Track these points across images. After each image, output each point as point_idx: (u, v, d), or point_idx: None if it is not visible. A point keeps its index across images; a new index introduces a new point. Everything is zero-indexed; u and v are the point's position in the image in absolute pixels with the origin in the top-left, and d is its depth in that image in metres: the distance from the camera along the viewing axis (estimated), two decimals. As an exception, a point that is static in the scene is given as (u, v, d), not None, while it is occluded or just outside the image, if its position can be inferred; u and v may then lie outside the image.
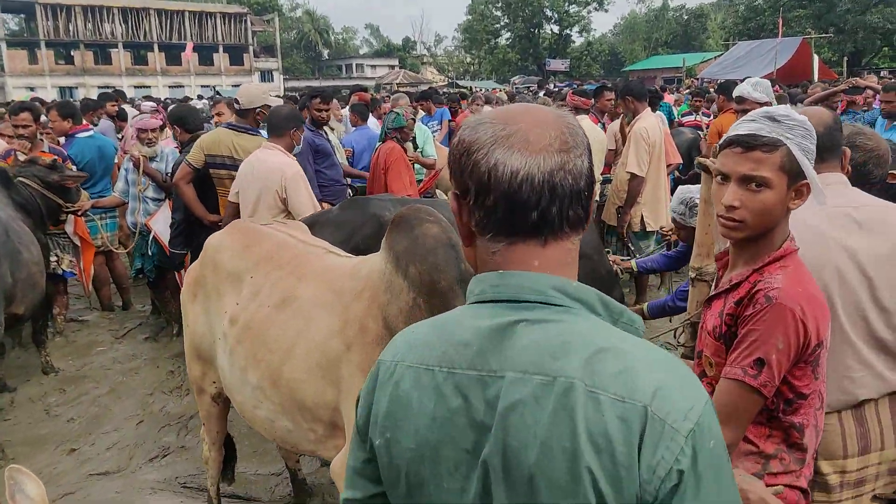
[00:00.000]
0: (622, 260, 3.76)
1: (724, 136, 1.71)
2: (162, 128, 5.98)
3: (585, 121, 5.53)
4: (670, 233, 3.68)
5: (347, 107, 8.50)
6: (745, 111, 4.31)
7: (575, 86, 31.58)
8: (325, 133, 5.63)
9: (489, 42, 62.17)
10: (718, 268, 1.86)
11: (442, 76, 62.34)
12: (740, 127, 1.67)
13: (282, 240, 2.72)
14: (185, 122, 5.11)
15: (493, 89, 23.07)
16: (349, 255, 2.69)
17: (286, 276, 2.53)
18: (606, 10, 62.54)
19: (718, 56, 33.99)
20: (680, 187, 3.34)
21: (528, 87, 25.19)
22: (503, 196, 0.89)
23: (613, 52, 65.17)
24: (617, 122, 6.47)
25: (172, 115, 5.44)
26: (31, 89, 39.87)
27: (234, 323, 2.57)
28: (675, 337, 2.61)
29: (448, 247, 2.19)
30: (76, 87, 44.80)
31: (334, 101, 6.85)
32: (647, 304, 3.45)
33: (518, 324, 0.90)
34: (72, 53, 48.00)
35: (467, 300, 0.99)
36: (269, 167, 3.93)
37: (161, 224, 5.21)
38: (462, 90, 25.13)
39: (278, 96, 8.63)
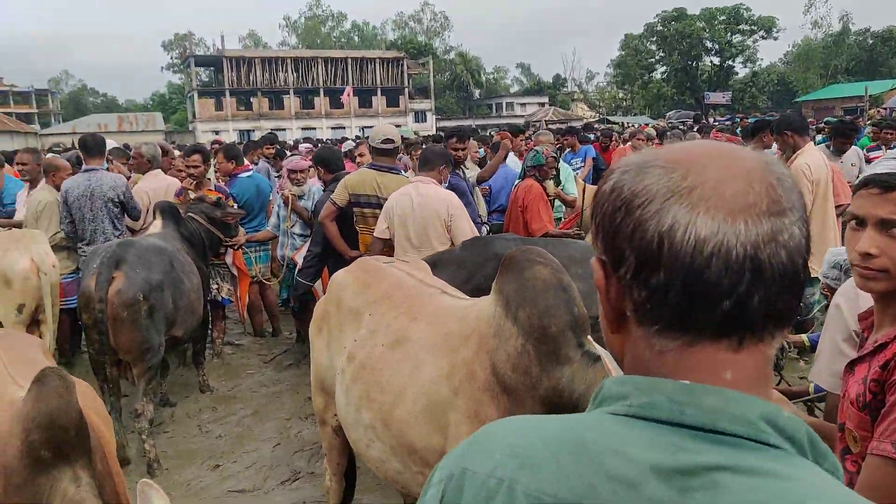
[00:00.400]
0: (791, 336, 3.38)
1: (860, 177, 1.57)
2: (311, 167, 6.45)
3: None
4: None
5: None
6: None
7: (737, 119, 29.91)
8: (462, 172, 5.76)
9: (643, 77, 60.84)
10: (863, 329, 1.66)
11: (593, 112, 61.69)
12: (879, 165, 1.53)
13: (399, 279, 2.80)
14: (328, 163, 5.52)
15: (643, 125, 22.42)
16: (464, 296, 2.72)
17: (400, 316, 2.58)
18: (776, 38, 58.83)
19: (909, 83, 30.79)
20: (831, 249, 3.04)
21: (683, 122, 24.23)
22: (682, 274, 0.65)
23: (783, 81, 61.08)
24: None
25: (316, 157, 5.87)
26: (216, 133, 44.65)
27: (351, 360, 2.66)
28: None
29: (559, 289, 2.15)
30: (253, 130, 49.41)
31: (471, 140, 7.00)
32: (807, 335, 3.17)
33: (718, 472, 0.62)
34: (251, 100, 53.18)
35: (606, 403, 0.72)
36: (434, 199, 4.11)
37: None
38: (613, 125, 24.69)
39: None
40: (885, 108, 23.77)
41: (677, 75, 59.20)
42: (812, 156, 5.00)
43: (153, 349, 4.09)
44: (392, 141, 4.65)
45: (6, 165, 8.55)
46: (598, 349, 2.15)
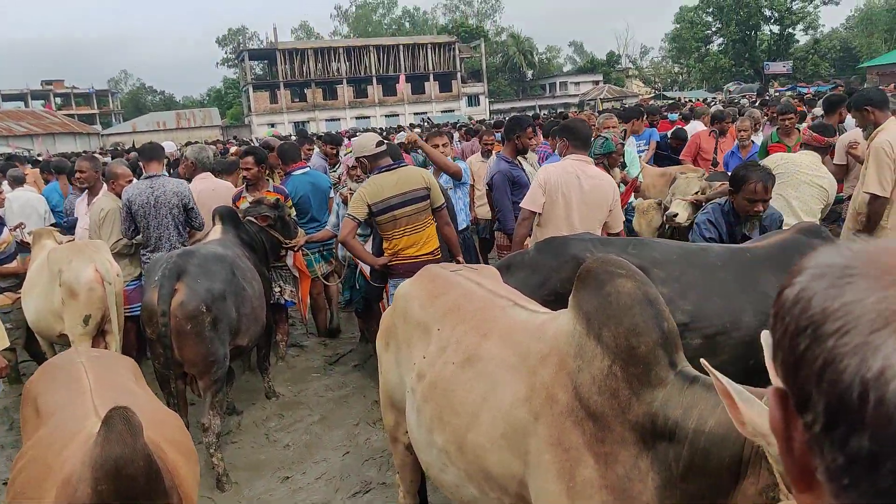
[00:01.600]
0: None
1: None
2: None
3: (811, 156, 4.84)
4: None
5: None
6: None
7: (800, 89, 28.49)
8: (520, 163, 5.54)
9: (699, 49, 58.88)
10: None
11: (648, 88, 60.05)
12: None
13: (469, 290, 2.63)
14: (284, 156, 5.89)
15: (697, 101, 21.51)
16: (538, 306, 2.54)
17: (470, 332, 2.42)
18: (837, 3, 55.92)
19: None
20: None
21: (745, 96, 23.18)
22: None
23: (846, 47, 58.30)
24: (847, 135, 5.67)
25: (279, 151, 6.09)
26: (272, 125, 45.37)
27: (421, 378, 2.51)
28: None
29: (646, 304, 1.95)
30: (308, 122, 50.08)
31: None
32: None
33: None
34: (305, 92, 53.80)
35: None
36: (605, 182, 4.23)
37: (367, 257, 5.46)
38: (671, 101, 23.87)
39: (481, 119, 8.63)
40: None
41: (735, 46, 57.07)
42: (894, 132, 4.63)
43: (219, 361, 4.03)
44: (382, 142, 4.68)
45: (54, 175, 8.73)
46: (694, 371, 1.95)
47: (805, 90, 27.91)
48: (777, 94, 23.79)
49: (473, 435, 2.25)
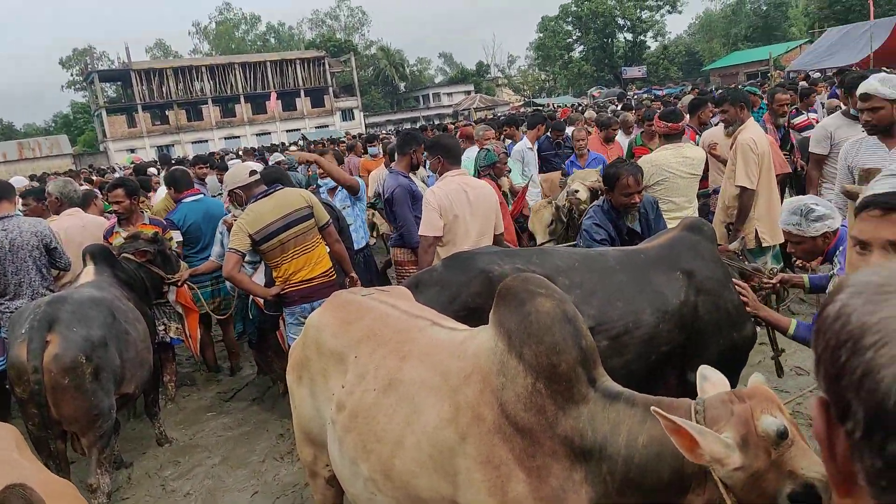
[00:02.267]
0: (790, 276, 3.40)
1: (860, 199, 1.48)
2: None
3: (672, 150, 5.14)
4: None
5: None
6: (873, 109, 3.83)
7: (654, 92, 30.57)
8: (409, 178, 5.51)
9: (563, 57, 61.85)
10: None
11: (518, 96, 62.22)
12: (878, 185, 1.43)
13: (383, 312, 2.55)
14: (177, 183, 5.56)
15: (563, 108, 22.52)
16: (455, 323, 2.50)
17: (389, 356, 2.35)
18: (680, 12, 61.15)
19: (805, 44, 32.25)
20: (787, 199, 3.13)
21: (611, 101, 24.51)
22: None
23: (690, 52, 63.50)
24: (707, 135, 6.08)
25: (167, 178, 5.86)
26: (132, 150, 42.63)
27: (341, 409, 2.40)
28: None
29: (565, 322, 1.99)
30: (172, 145, 47.60)
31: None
32: (807, 275, 3.27)
33: None
34: (166, 113, 51.05)
35: None
36: (487, 190, 4.37)
37: (258, 286, 5.20)
38: (538, 108, 24.79)
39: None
40: (784, 72, 24.80)
41: (595, 53, 60.51)
42: (755, 130, 5.10)
43: (104, 414, 3.66)
44: (255, 171, 4.67)
45: None
46: (616, 386, 2.02)
47: (659, 92, 30.04)
48: (635, 96, 25.37)
49: (400, 461, 2.18)
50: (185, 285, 5.30)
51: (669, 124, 5.20)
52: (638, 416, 1.88)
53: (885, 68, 10.03)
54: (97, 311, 3.85)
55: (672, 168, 5.05)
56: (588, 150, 7.22)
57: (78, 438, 3.69)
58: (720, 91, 7.70)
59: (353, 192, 6.00)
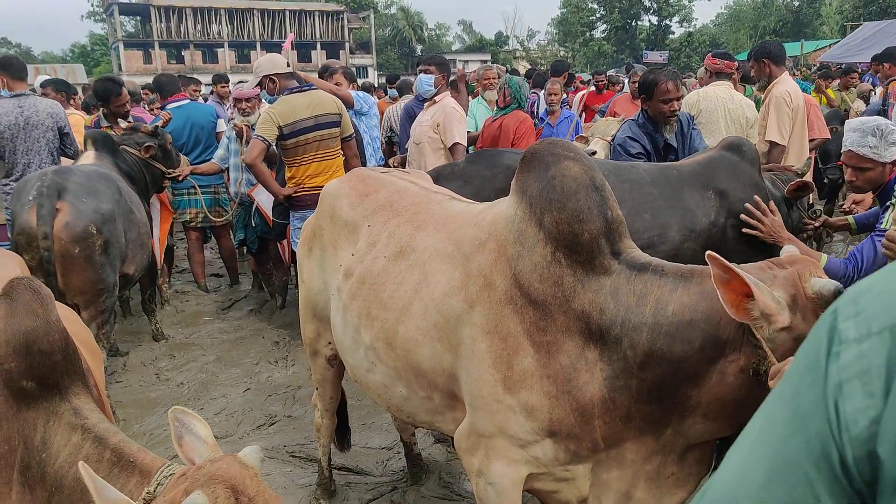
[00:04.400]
0: (835, 219, 3.27)
1: None
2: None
3: (724, 87, 4.89)
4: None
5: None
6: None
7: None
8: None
9: (584, 35, 61.02)
10: None
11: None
12: None
13: (402, 186, 2.48)
14: (162, 88, 5.64)
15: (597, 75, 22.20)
16: (476, 203, 2.42)
17: (404, 225, 2.27)
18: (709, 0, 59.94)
19: (834, 44, 31.70)
20: (850, 121, 2.86)
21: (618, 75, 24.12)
22: None
23: (715, 42, 62.59)
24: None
25: (155, 82, 5.98)
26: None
27: (348, 277, 2.34)
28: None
29: (591, 189, 1.87)
30: (185, 85, 47.07)
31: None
32: (852, 216, 3.15)
33: None
34: (182, 53, 50.52)
35: None
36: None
37: (264, 194, 5.09)
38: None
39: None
40: (810, 68, 24.31)
41: (617, 33, 59.63)
42: (790, 84, 4.84)
43: (108, 289, 3.63)
44: (287, 63, 4.60)
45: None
46: (644, 256, 1.91)
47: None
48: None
49: (404, 328, 2.12)
50: (164, 191, 5.18)
51: (725, 61, 5.00)
52: (668, 285, 1.77)
53: None
54: (105, 185, 3.82)
55: (719, 101, 4.68)
56: (561, 108, 6.94)
57: (79, 312, 3.66)
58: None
59: (347, 104, 5.91)
